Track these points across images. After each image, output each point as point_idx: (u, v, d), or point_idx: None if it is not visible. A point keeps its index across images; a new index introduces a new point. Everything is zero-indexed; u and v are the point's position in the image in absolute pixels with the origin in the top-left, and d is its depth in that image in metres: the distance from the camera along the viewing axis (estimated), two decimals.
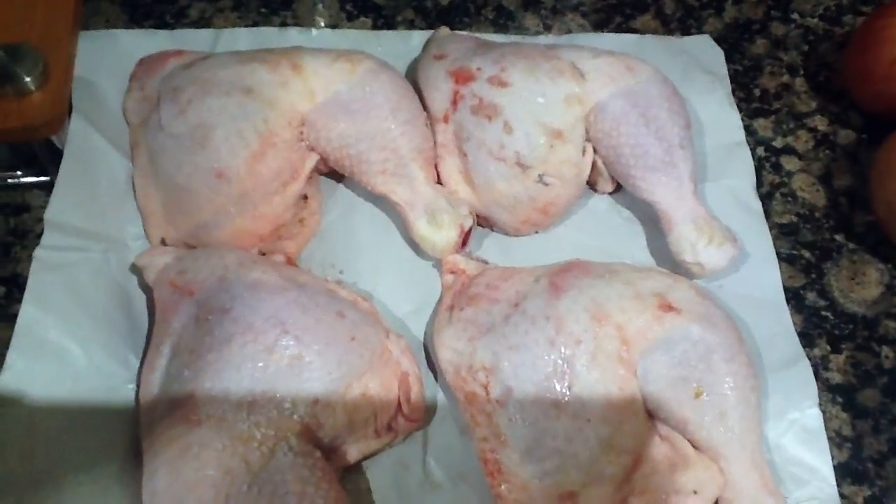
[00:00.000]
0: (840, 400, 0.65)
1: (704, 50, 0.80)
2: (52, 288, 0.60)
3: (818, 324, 0.68)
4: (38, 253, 0.61)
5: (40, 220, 0.65)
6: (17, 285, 0.65)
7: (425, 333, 0.65)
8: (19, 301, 0.60)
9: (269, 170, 0.63)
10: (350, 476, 0.58)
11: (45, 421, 0.56)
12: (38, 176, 0.68)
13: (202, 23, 0.78)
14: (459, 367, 0.59)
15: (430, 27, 0.79)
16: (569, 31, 0.81)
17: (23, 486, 0.54)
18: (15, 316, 0.59)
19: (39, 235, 0.63)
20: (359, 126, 0.65)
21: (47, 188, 0.67)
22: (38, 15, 0.66)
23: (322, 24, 0.79)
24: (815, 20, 0.85)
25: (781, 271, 0.68)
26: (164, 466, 0.51)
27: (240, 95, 0.63)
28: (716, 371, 0.56)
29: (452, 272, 0.65)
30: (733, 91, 0.77)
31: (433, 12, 0.81)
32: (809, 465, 0.60)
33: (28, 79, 0.62)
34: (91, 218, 0.64)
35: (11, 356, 0.57)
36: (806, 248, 0.71)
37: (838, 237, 0.72)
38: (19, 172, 0.68)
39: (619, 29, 0.82)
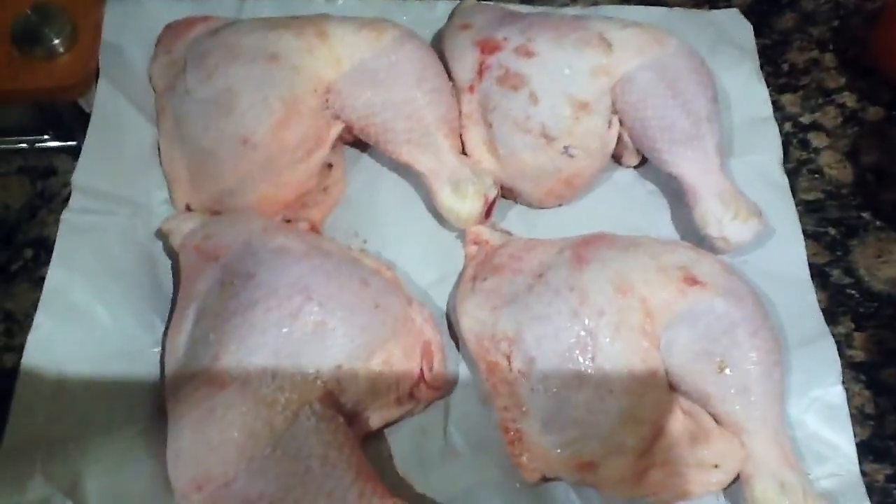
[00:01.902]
0: (863, 378, 0.64)
1: (733, 23, 0.79)
2: (79, 251, 0.61)
3: (842, 301, 0.67)
4: (66, 216, 0.61)
5: (67, 183, 0.66)
6: (44, 248, 0.65)
7: (448, 303, 0.65)
8: (46, 263, 0.60)
9: (294, 137, 0.63)
10: (372, 442, 0.59)
11: (71, 382, 0.57)
12: (64, 140, 0.68)
13: None
14: (482, 337, 0.59)
15: None
16: (595, 3, 0.80)
17: (49, 446, 0.55)
18: (41, 278, 0.60)
19: (66, 199, 0.63)
20: (384, 95, 0.64)
21: (74, 152, 0.67)
22: None
23: None
24: None
25: (807, 248, 0.68)
26: (189, 428, 0.52)
27: (266, 62, 0.63)
28: (739, 345, 0.56)
29: (476, 242, 0.65)
30: (761, 66, 0.77)
31: None
32: (831, 442, 0.60)
33: (57, 40, 0.62)
34: (117, 182, 0.64)
35: (39, 317, 0.58)
36: (832, 225, 0.71)
37: (865, 214, 0.71)
38: (46, 136, 0.68)
39: (647, 1, 0.81)
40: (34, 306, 0.59)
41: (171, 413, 0.54)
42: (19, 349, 0.58)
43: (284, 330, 0.54)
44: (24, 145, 0.68)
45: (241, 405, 0.52)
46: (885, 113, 0.76)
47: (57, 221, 0.62)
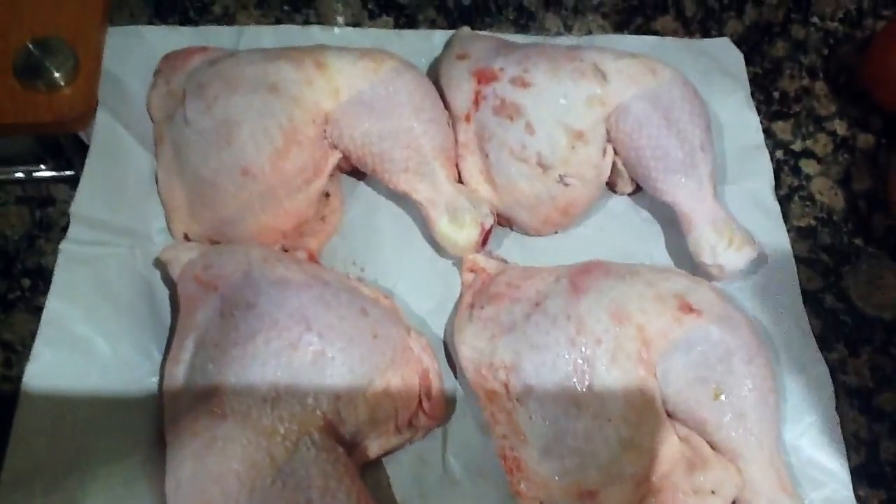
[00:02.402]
0: (857, 403, 0.65)
1: (724, 52, 0.80)
2: (78, 281, 0.61)
3: (836, 327, 0.68)
4: (65, 246, 0.62)
5: (65, 213, 0.66)
6: (42, 277, 0.65)
7: (445, 331, 0.65)
8: (44, 293, 0.60)
9: (293, 167, 0.64)
10: (371, 471, 0.59)
11: (71, 411, 0.57)
12: (63, 170, 0.68)
13: (225, 19, 0.78)
14: (480, 365, 0.60)
15: (451, 26, 0.80)
16: (589, 32, 0.81)
17: (48, 476, 0.55)
18: (39, 308, 0.60)
19: (64, 228, 0.63)
20: (382, 125, 0.65)
21: (72, 182, 0.68)
22: (69, 9, 0.66)
23: (342, 21, 0.80)
24: (835, 23, 0.85)
25: (800, 274, 0.68)
26: (189, 458, 0.52)
27: (265, 93, 0.64)
28: (735, 372, 0.57)
29: (473, 270, 0.65)
30: (753, 94, 0.78)
31: (455, 12, 0.81)
32: (826, 468, 0.60)
33: (58, 74, 0.63)
34: (116, 212, 0.65)
35: (38, 348, 0.58)
36: (824, 252, 0.71)
37: (857, 241, 0.72)
38: (44, 166, 0.68)
39: (640, 30, 0.82)
40: (32, 336, 0.59)
41: (170, 443, 0.54)
42: (17, 379, 0.58)
43: (284, 360, 0.54)
44: (22, 175, 0.68)
45: (241, 436, 0.52)
46: (876, 140, 0.78)
47: (55, 251, 0.62)
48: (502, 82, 0.67)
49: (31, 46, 0.63)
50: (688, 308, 0.58)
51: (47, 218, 0.68)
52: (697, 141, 0.66)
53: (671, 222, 0.68)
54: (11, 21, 0.65)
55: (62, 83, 0.63)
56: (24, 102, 0.62)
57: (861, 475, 0.62)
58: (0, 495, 0.54)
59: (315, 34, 0.76)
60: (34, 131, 0.64)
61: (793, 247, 0.70)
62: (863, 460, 0.63)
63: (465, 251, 0.66)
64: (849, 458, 0.61)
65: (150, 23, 0.76)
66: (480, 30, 0.78)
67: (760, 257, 0.67)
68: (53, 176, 0.68)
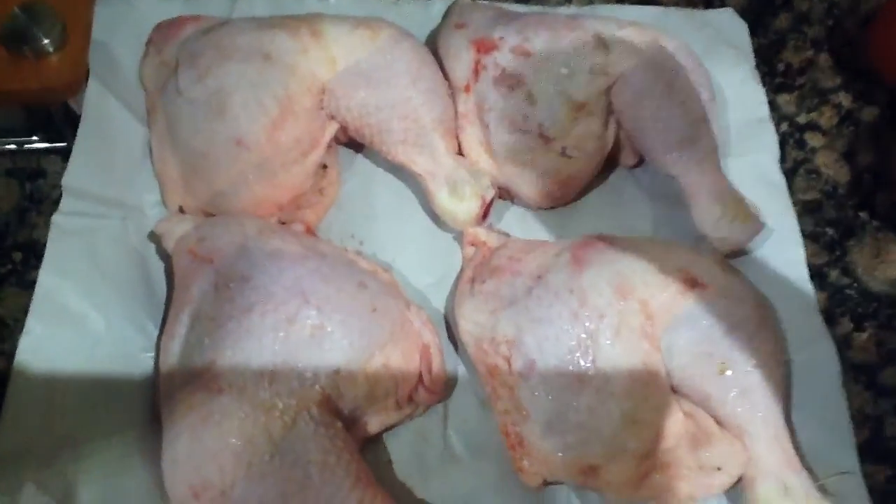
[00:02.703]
0: (862, 378, 0.64)
1: (728, 23, 0.79)
2: (70, 254, 0.60)
3: (841, 302, 0.67)
4: (56, 219, 0.60)
5: (56, 185, 0.65)
6: (33, 251, 0.64)
7: (446, 305, 0.64)
8: (36, 267, 0.59)
9: (288, 138, 0.62)
10: (371, 447, 0.58)
11: (64, 387, 0.56)
12: (54, 142, 0.67)
13: None
14: (481, 340, 0.59)
15: None
16: (591, 2, 0.80)
17: (42, 453, 0.54)
18: (32, 282, 0.59)
19: (55, 201, 0.62)
20: (379, 95, 0.64)
21: (63, 153, 0.66)
22: None
23: None
24: None
25: (805, 248, 0.67)
26: (185, 434, 0.51)
27: (259, 62, 0.62)
28: (740, 347, 0.56)
29: (474, 244, 0.64)
30: (757, 66, 0.76)
31: None
32: (832, 444, 0.59)
33: (46, 40, 0.61)
34: (109, 184, 0.63)
35: (30, 322, 0.57)
36: (829, 226, 0.70)
37: (862, 215, 0.71)
38: (35, 137, 0.67)
39: (643, 1, 0.80)
40: (24, 311, 0.58)
41: (166, 419, 0.53)
42: (9, 354, 0.57)
43: (281, 334, 0.53)
44: (13, 146, 0.67)
45: (238, 411, 0.51)
46: (881, 113, 0.76)
47: (47, 224, 0.61)
48: (502, 51, 0.65)
49: (17, 11, 0.61)
50: (692, 282, 0.57)
51: (38, 191, 0.67)
52: (701, 112, 0.65)
53: (675, 196, 0.67)
54: None
55: (50, 50, 0.62)
56: (10, 69, 0.61)
57: (867, 451, 0.61)
58: None
59: (310, 3, 0.75)
60: (22, 98, 0.63)
61: (798, 220, 0.68)
62: (868, 436, 0.62)
63: (465, 224, 0.64)
64: (854, 434, 0.60)
65: None
66: None
67: (765, 231, 0.66)
68: (44, 148, 0.67)
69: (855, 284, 0.68)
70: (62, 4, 0.63)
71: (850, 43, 0.80)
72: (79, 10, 0.64)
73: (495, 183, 0.66)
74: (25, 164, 0.67)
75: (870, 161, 0.73)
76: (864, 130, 0.75)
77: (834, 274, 0.68)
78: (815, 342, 0.63)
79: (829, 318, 0.66)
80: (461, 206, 0.64)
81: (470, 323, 0.59)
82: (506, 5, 0.76)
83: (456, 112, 0.67)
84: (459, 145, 0.67)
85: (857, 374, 0.64)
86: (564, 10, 0.78)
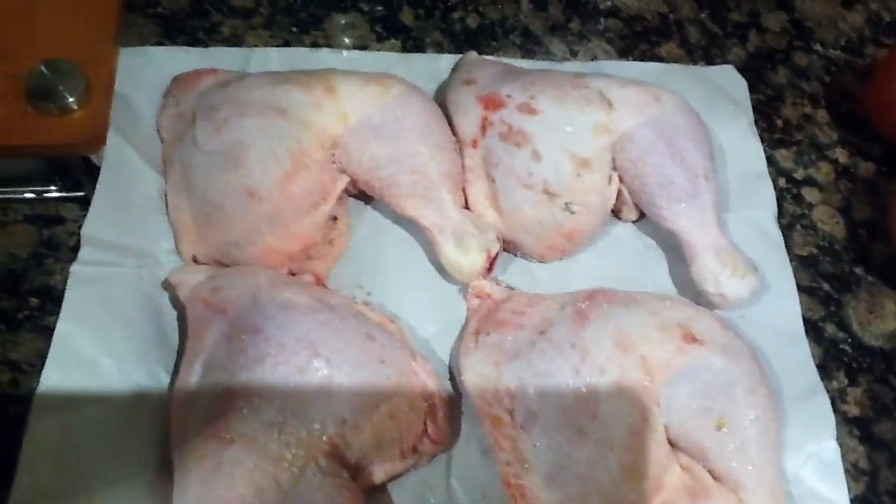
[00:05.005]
0: (857, 433, 0.65)
1: (728, 79, 0.81)
2: (87, 302, 0.61)
3: (836, 356, 0.69)
4: (75, 268, 0.62)
5: (73, 233, 0.67)
6: (49, 297, 0.65)
7: (450, 356, 0.65)
8: (52, 313, 0.61)
9: (300, 190, 0.64)
10: (375, 496, 0.59)
11: (78, 433, 0.57)
12: (71, 190, 0.69)
13: (234, 40, 0.79)
14: (484, 392, 0.60)
15: (458, 50, 0.80)
16: (594, 58, 0.82)
17: (56, 496, 0.55)
18: (47, 327, 0.60)
19: (73, 248, 0.64)
20: (389, 149, 0.65)
21: (81, 201, 0.68)
22: (81, 31, 0.67)
23: (350, 44, 0.80)
24: (837, 51, 0.86)
25: (801, 303, 0.69)
26: (196, 482, 0.52)
27: (274, 116, 0.64)
28: (737, 402, 0.57)
29: (478, 297, 0.66)
30: (756, 121, 0.78)
31: (461, 35, 0.82)
32: (826, 498, 0.61)
33: (71, 98, 0.63)
34: (125, 233, 0.65)
35: (48, 368, 0.58)
36: (825, 280, 0.72)
37: (857, 270, 0.73)
38: (53, 186, 0.68)
39: (644, 56, 0.83)
40: (39, 355, 0.59)
41: (177, 466, 0.54)
42: (24, 399, 0.58)
43: (292, 385, 0.55)
44: (31, 195, 0.68)
45: (247, 461, 0.52)
46: (877, 168, 0.78)
47: (63, 271, 0.62)
48: (509, 109, 0.67)
49: (43, 69, 0.63)
50: (691, 338, 0.59)
51: (56, 237, 0.68)
52: (701, 169, 0.67)
53: (675, 250, 0.69)
54: (23, 43, 0.66)
55: (74, 107, 0.63)
56: (35, 125, 0.63)
57: None
58: None
59: (323, 57, 0.77)
60: (45, 153, 0.64)
61: (794, 275, 0.70)
62: (862, 490, 0.63)
63: (470, 277, 0.66)
64: (849, 488, 0.61)
65: (159, 43, 0.77)
66: (487, 54, 0.79)
67: (763, 286, 0.67)
68: (63, 196, 0.69)
69: (850, 339, 0.69)
70: (85, 60, 0.65)
71: (847, 98, 0.82)
72: (102, 65, 0.66)
73: (500, 236, 0.67)
74: (44, 211, 0.69)
75: (866, 216, 0.75)
76: (861, 185, 0.77)
77: (829, 328, 0.70)
78: (810, 396, 0.64)
79: (825, 371, 0.67)
80: (467, 258, 0.65)
81: (474, 374, 0.61)
82: (512, 61, 0.78)
83: (463, 166, 0.69)
84: (466, 199, 0.69)
85: (851, 427, 0.66)
86: (570, 66, 0.80)
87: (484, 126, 0.68)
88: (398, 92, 0.67)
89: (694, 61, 0.83)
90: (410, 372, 0.60)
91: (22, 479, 0.55)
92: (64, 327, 0.60)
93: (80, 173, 0.68)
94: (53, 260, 0.67)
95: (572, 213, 0.66)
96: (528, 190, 0.66)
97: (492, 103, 0.68)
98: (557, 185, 0.66)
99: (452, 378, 0.65)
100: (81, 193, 0.68)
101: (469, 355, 0.62)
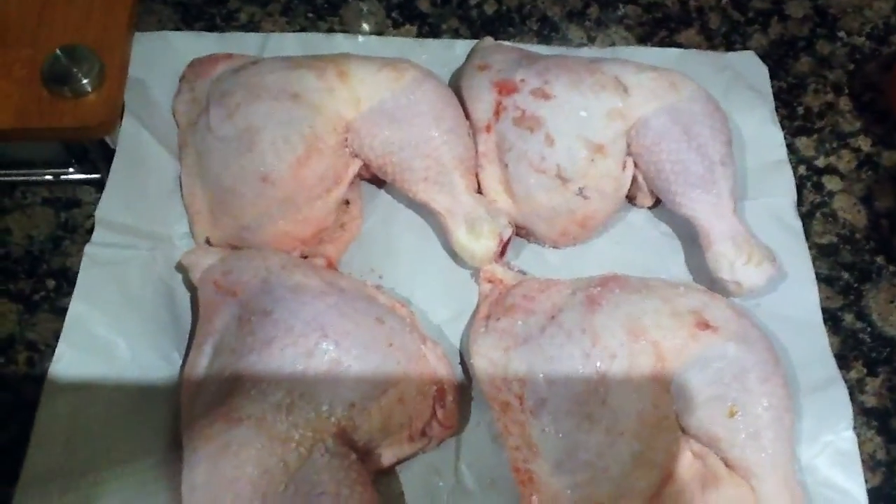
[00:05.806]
0: (875, 423, 0.64)
1: (749, 66, 0.80)
2: (100, 284, 0.62)
3: (855, 346, 0.67)
4: (89, 249, 0.63)
5: (90, 215, 0.67)
6: (66, 278, 0.66)
7: (461, 341, 0.65)
8: (68, 294, 0.62)
9: (313, 174, 0.64)
10: (383, 479, 0.59)
11: (90, 412, 0.58)
12: (88, 173, 0.69)
13: (251, 26, 0.79)
14: (494, 377, 0.60)
15: (474, 36, 0.80)
16: (612, 44, 0.81)
17: (65, 475, 0.56)
18: (64, 308, 0.61)
19: (89, 230, 0.64)
20: (402, 134, 0.65)
21: (97, 184, 0.69)
22: (96, 17, 0.68)
23: (367, 29, 0.80)
24: (862, 39, 0.84)
25: (819, 292, 0.68)
26: (204, 462, 0.53)
27: (287, 101, 0.64)
28: (750, 390, 0.57)
29: (490, 282, 0.66)
30: (776, 108, 0.77)
31: (478, 21, 0.82)
32: (842, 488, 0.60)
33: (85, 81, 0.64)
34: (139, 216, 0.66)
35: (61, 348, 0.59)
36: (845, 270, 0.71)
37: (878, 259, 0.71)
38: (71, 169, 0.69)
39: (663, 43, 0.82)
40: (55, 336, 0.60)
41: (186, 446, 0.55)
42: (39, 378, 0.59)
43: (300, 367, 0.55)
44: (50, 177, 0.69)
45: (255, 442, 0.52)
46: None
47: (80, 252, 0.63)
48: (523, 94, 0.67)
49: (59, 53, 0.64)
50: (704, 325, 0.58)
51: (73, 220, 0.69)
52: (718, 156, 0.66)
53: (691, 237, 0.68)
54: (40, 29, 0.67)
55: (88, 90, 0.64)
56: (50, 108, 0.64)
57: (877, 496, 0.61)
58: (18, 495, 0.55)
59: (339, 42, 0.77)
60: (60, 136, 0.65)
61: (813, 264, 0.69)
62: (879, 482, 0.62)
63: (482, 262, 0.66)
64: (865, 479, 0.60)
65: (177, 29, 0.77)
66: (503, 40, 0.79)
67: (780, 274, 0.66)
68: (79, 178, 0.69)
69: (869, 329, 0.68)
70: (101, 45, 0.66)
71: (870, 87, 0.81)
72: (117, 50, 0.67)
73: (513, 221, 0.67)
74: (61, 194, 0.70)
75: (888, 206, 0.74)
76: (883, 175, 0.76)
77: (848, 318, 0.69)
78: (827, 386, 0.63)
79: (843, 362, 0.66)
80: (479, 243, 0.65)
81: (483, 359, 0.61)
82: (529, 47, 0.77)
83: (476, 151, 0.69)
84: (479, 184, 0.69)
85: (869, 418, 0.64)
86: (586, 51, 0.79)
87: (498, 111, 0.68)
88: (411, 77, 0.67)
89: (714, 48, 0.82)
90: (420, 356, 0.60)
91: (33, 457, 0.56)
92: (77, 308, 0.61)
93: (96, 156, 0.68)
94: (70, 242, 0.68)
95: (585, 198, 0.66)
96: (541, 175, 0.66)
97: (506, 88, 0.68)
98: (571, 170, 0.65)
99: (463, 363, 0.64)
100: (98, 176, 0.69)
101: (479, 340, 0.62)
